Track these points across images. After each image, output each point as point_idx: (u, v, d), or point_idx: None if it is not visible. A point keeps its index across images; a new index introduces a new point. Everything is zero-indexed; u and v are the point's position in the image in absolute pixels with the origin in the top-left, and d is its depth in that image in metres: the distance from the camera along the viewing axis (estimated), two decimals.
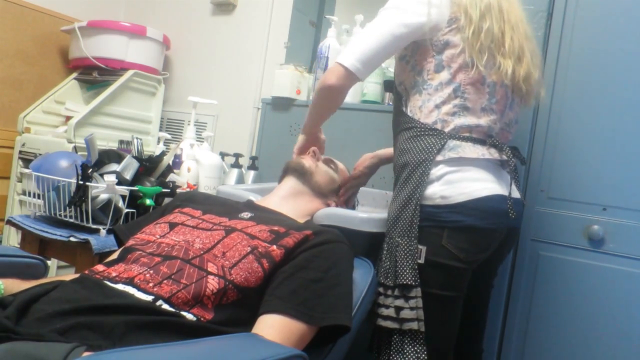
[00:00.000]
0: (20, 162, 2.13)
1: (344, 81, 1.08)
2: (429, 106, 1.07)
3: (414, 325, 1.01)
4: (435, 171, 1.04)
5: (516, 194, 1.12)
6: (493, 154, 1.08)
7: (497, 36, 1.05)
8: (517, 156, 1.16)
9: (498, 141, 1.09)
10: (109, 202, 1.23)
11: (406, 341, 1.03)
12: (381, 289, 1.06)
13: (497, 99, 1.09)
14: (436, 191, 1.03)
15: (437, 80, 1.07)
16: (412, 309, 1.01)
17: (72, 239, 1.21)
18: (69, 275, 0.90)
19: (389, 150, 1.32)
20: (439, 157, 1.04)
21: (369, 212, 1.30)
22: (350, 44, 1.10)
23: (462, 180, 1.03)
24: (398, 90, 1.17)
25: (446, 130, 1.06)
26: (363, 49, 1.06)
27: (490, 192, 1.04)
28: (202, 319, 0.77)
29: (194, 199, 1.10)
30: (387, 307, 1.04)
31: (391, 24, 1.06)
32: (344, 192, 1.28)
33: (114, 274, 0.82)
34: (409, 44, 1.10)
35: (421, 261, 1.03)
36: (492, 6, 1.06)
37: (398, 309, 1.02)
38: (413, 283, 1.01)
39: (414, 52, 1.11)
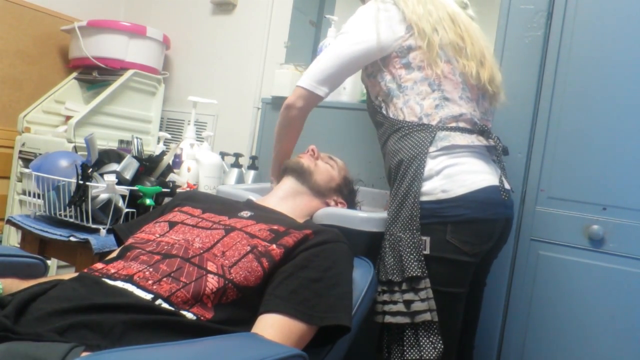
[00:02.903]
0: (20, 162, 2.13)
1: (302, 100, 1.18)
2: (410, 105, 1.11)
3: (427, 317, 1.01)
4: (434, 165, 1.06)
5: (506, 184, 1.14)
6: (481, 140, 1.12)
7: (455, 41, 1.12)
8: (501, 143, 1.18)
9: (485, 127, 1.13)
10: (109, 202, 1.23)
11: (420, 334, 1.03)
12: (385, 287, 1.06)
13: (469, 89, 1.14)
14: (437, 186, 1.04)
15: (410, 81, 1.11)
16: (422, 300, 1.02)
17: (72, 238, 1.21)
18: (68, 274, 0.90)
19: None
20: (432, 149, 1.06)
21: (369, 211, 1.30)
22: (308, 69, 1.19)
23: (461, 173, 1.05)
24: (376, 105, 1.20)
25: (433, 123, 1.09)
26: (318, 70, 1.16)
27: (487, 183, 1.07)
28: (201, 318, 0.77)
29: (194, 198, 1.10)
30: (396, 302, 1.04)
31: (343, 45, 1.15)
32: None
33: (112, 271, 0.82)
34: (373, 61, 1.15)
35: (427, 252, 1.03)
36: (443, 18, 1.12)
37: (408, 302, 1.03)
38: (421, 274, 1.02)
39: (381, 66, 1.15)
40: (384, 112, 1.17)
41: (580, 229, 1.34)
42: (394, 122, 1.13)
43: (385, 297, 1.06)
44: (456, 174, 1.05)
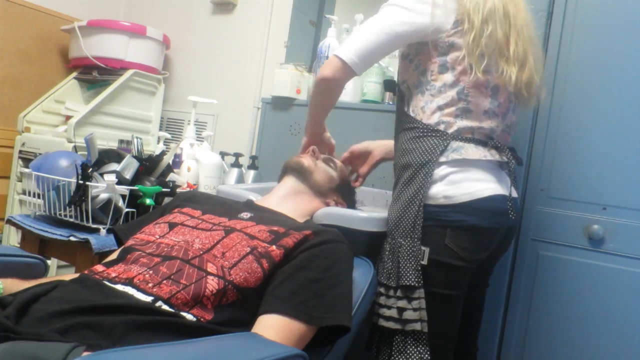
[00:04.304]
0: (20, 162, 2.13)
1: (340, 74, 1.08)
2: (431, 107, 1.07)
3: (417, 326, 1.01)
4: (439, 171, 1.04)
5: (514, 193, 1.13)
6: (494, 155, 1.08)
7: (501, 42, 1.05)
8: (514, 157, 1.16)
9: (499, 143, 1.09)
10: (109, 202, 1.23)
11: (409, 342, 1.03)
12: (382, 290, 1.06)
13: (500, 102, 1.09)
14: (439, 191, 1.04)
15: (440, 81, 1.07)
16: (415, 309, 1.01)
17: (72, 238, 1.21)
18: (69, 275, 0.90)
19: (389, 145, 1.32)
20: (442, 159, 1.04)
21: (368, 211, 1.30)
22: (350, 37, 1.10)
23: (465, 181, 1.04)
24: (401, 89, 1.17)
25: (449, 131, 1.06)
26: (362, 44, 1.06)
27: (492, 192, 1.05)
28: (201, 319, 0.77)
29: (194, 199, 1.10)
30: (389, 307, 1.04)
31: (393, 21, 1.05)
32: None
33: (113, 275, 0.82)
34: (412, 43, 1.10)
35: (424, 262, 1.03)
36: (497, 10, 1.04)
37: (401, 310, 1.02)
38: (416, 284, 1.01)
39: (418, 52, 1.10)
40: (405, 103, 1.13)
41: (580, 229, 1.34)
42: (411, 119, 1.10)
43: (381, 299, 1.06)
44: (460, 180, 1.04)
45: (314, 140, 1.27)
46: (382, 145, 1.36)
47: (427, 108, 1.08)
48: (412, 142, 1.08)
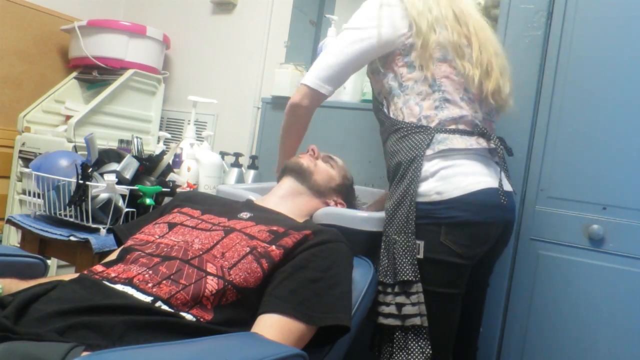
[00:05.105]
0: (20, 162, 2.13)
1: (308, 99, 1.17)
2: (410, 105, 1.10)
3: (417, 321, 1.01)
4: (429, 167, 1.05)
5: (507, 186, 1.13)
6: (481, 143, 1.09)
7: (457, 43, 1.09)
8: (504, 146, 1.16)
9: (485, 129, 1.10)
10: (109, 202, 1.23)
11: (410, 337, 1.03)
12: (380, 288, 1.06)
13: (471, 89, 1.12)
14: (431, 187, 1.04)
15: (411, 80, 1.10)
16: (414, 304, 1.01)
17: (72, 238, 1.21)
18: (68, 275, 0.90)
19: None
20: (429, 152, 1.05)
21: (368, 211, 1.30)
22: (313, 65, 1.17)
23: (456, 175, 1.04)
24: (378, 101, 1.20)
25: (432, 125, 1.07)
26: (322, 67, 1.15)
27: (484, 185, 1.05)
28: (201, 319, 0.77)
29: (193, 199, 1.10)
30: (388, 304, 1.04)
31: (347, 42, 1.13)
32: None
33: (112, 274, 0.82)
34: (375, 58, 1.14)
35: (420, 256, 1.03)
36: (446, 17, 1.10)
37: (400, 305, 1.02)
38: (413, 279, 1.01)
39: (383, 63, 1.14)
40: (385, 110, 1.16)
41: (580, 229, 1.34)
42: (394, 122, 1.12)
43: (380, 297, 1.06)
44: (451, 175, 1.04)
45: None
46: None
47: (406, 107, 1.10)
48: (399, 143, 1.10)
